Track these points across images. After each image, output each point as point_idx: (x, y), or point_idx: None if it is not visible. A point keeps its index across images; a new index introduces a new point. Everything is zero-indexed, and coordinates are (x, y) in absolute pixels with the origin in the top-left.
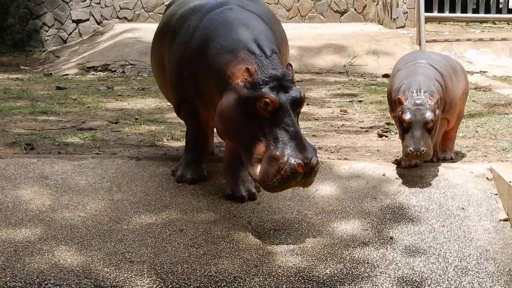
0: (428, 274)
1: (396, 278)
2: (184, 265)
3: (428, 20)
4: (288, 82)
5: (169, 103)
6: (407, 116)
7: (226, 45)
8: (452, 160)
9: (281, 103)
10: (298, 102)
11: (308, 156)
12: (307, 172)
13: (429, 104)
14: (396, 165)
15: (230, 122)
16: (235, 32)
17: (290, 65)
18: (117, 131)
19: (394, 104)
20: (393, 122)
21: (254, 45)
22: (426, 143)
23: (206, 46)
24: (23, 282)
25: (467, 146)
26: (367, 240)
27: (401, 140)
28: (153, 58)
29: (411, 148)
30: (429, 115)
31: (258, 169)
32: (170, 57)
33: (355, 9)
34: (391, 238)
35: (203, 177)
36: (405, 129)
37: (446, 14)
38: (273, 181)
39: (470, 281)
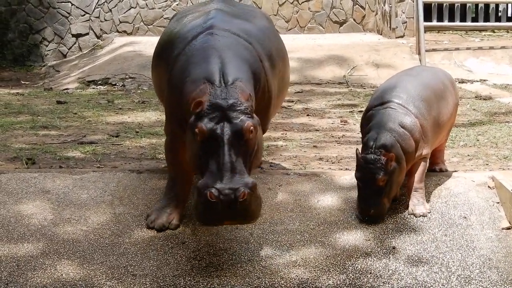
0: (431, 284)
1: None
2: (187, 278)
3: (427, 29)
4: (235, 112)
5: None
6: (358, 174)
7: (193, 74)
8: (446, 171)
9: (210, 134)
10: (238, 134)
11: (230, 187)
12: (231, 204)
13: (380, 163)
14: (410, 214)
15: (187, 153)
16: (204, 61)
17: (250, 95)
18: (118, 144)
19: (363, 136)
20: None
21: (216, 75)
22: (375, 203)
23: (181, 75)
24: None
25: (468, 155)
26: (369, 250)
27: None
28: (153, 76)
29: (359, 210)
30: (378, 175)
31: None
32: (163, 83)
33: (354, 20)
34: (394, 248)
35: (172, 225)
36: (357, 185)
37: (445, 23)
38: (197, 212)
39: None
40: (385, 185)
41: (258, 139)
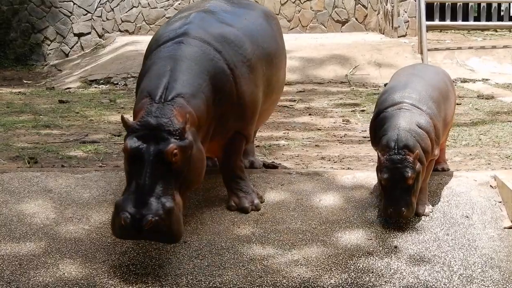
0: (433, 283)
1: (401, 287)
2: (189, 277)
3: (429, 28)
4: (163, 132)
5: None
6: (385, 176)
7: (143, 85)
8: (448, 170)
9: (133, 153)
10: (160, 156)
11: (140, 212)
12: (140, 228)
13: (408, 161)
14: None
15: None
16: (156, 73)
17: (189, 114)
18: (120, 143)
19: (374, 143)
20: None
21: (159, 90)
22: (406, 203)
23: (139, 82)
24: None
25: (470, 154)
26: (371, 249)
27: (381, 196)
28: None
29: (391, 210)
30: (407, 173)
31: None
32: None
33: (356, 19)
34: (396, 247)
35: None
36: (383, 187)
37: (448, 22)
38: (112, 228)
39: None
40: (412, 184)
41: (193, 159)
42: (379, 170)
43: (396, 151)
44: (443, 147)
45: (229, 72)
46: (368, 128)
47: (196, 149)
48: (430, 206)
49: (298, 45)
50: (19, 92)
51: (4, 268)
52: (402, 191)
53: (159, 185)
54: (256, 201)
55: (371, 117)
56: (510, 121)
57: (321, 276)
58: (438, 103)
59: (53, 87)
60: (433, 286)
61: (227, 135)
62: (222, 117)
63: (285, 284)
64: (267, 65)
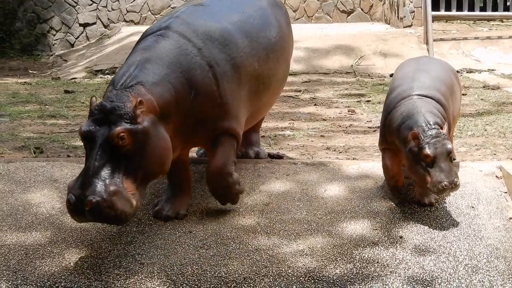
0: (439, 273)
1: (406, 277)
2: (194, 267)
3: (435, 19)
4: (115, 116)
5: None
6: (430, 151)
7: (115, 74)
8: (454, 160)
9: (85, 136)
10: (108, 139)
11: (84, 193)
12: (83, 209)
13: (444, 134)
14: (417, 204)
15: None
16: (127, 63)
17: (148, 100)
18: None
19: (391, 136)
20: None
21: (122, 78)
22: (456, 174)
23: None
24: (34, 285)
25: (476, 145)
26: (376, 239)
27: (419, 179)
28: None
29: (445, 183)
30: (449, 145)
31: None
32: None
33: (361, 9)
34: (401, 237)
35: (179, 215)
36: (428, 164)
37: (453, 12)
38: (67, 208)
39: (480, 280)
40: (452, 157)
41: (150, 146)
42: (418, 149)
43: (430, 126)
44: (450, 139)
45: (208, 69)
46: (380, 125)
47: (156, 136)
48: (436, 196)
49: (303, 36)
50: (24, 82)
51: (10, 257)
52: (449, 162)
53: (106, 167)
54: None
55: (376, 107)
56: None
57: (326, 266)
58: (446, 97)
59: (58, 77)
60: (439, 276)
61: (212, 134)
62: (201, 114)
63: (290, 274)
64: (261, 61)
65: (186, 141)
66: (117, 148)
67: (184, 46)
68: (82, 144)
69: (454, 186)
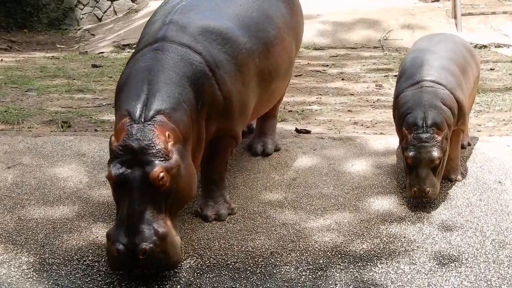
0: (466, 248)
1: (433, 252)
2: (221, 241)
3: None
4: (147, 156)
5: None
6: (411, 154)
7: (122, 99)
8: (469, 145)
9: (119, 180)
10: (146, 181)
11: (132, 242)
12: (135, 258)
13: (436, 141)
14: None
15: None
16: (134, 87)
17: (172, 130)
18: None
19: (394, 120)
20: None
21: (137, 108)
22: (432, 183)
23: (118, 92)
24: (61, 259)
25: (503, 120)
26: (403, 214)
27: (405, 175)
28: None
29: (415, 189)
30: (435, 153)
31: None
32: None
33: None
34: (428, 212)
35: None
36: (409, 166)
37: None
38: (108, 260)
39: (507, 255)
40: (439, 164)
41: (182, 177)
42: (404, 148)
43: (424, 129)
44: (464, 119)
45: (211, 75)
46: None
47: (184, 166)
48: (462, 171)
49: (330, 10)
50: (52, 56)
51: (38, 231)
52: (428, 170)
53: (149, 210)
54: (223, 211)
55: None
56: None
57: (353, 241)
58: (458, 77)
59: (86, 51)
60: (465, 252)
61: (212, 134)
62: (207, 120)
63: (317, 249)
64: (263, 56)
65: (200, 152)
66: (157, 189)
67: (186, 56)
68: (113, 188)
69: (424, 195)
